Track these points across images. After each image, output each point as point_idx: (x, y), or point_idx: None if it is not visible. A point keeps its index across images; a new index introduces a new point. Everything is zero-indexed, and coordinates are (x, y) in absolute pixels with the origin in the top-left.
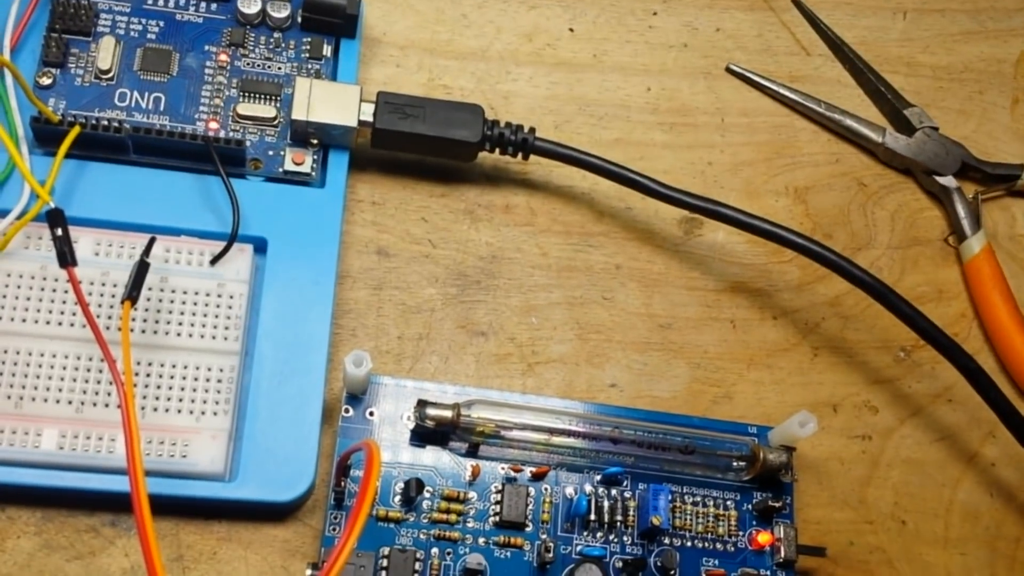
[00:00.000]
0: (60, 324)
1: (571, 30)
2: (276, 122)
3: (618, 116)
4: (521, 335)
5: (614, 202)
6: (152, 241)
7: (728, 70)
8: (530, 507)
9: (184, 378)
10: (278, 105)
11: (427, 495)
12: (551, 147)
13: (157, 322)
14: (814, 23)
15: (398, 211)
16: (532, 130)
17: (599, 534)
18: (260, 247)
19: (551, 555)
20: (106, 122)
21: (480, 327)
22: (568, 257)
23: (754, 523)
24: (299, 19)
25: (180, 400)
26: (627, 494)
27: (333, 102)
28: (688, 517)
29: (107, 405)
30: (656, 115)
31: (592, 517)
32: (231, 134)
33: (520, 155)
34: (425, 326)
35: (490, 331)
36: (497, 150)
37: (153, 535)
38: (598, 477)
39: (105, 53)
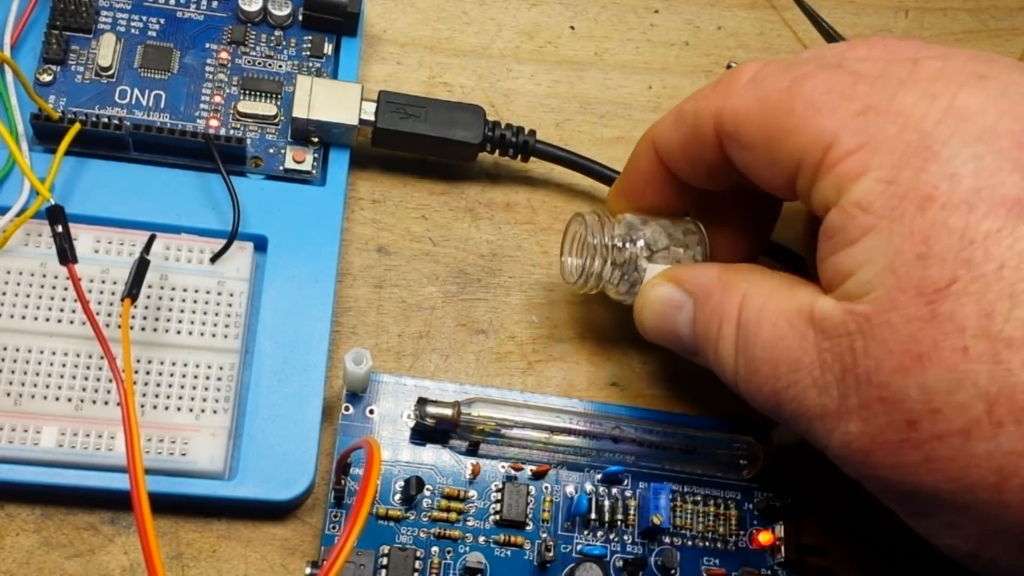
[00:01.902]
0: (60, 321)
1: (572, 28)
2: (277, 120)
3: (619, 114)
4: (521, 333)
5: None
6: (152, 238)
7: (729, 68)
8: (530, 506)
9: (184, 376)
10: (279, 103)
11: (427, 493)
12: (552, 150)
13: (157, 320)
14: (816, 21)
15: (398, 209)
16: (532, 132)
17: (599, 533)
18: (260, 245)
19: (551, 554)
20: (106, 119)
21: (480, 325)
22: None
23: (755, 522)
24: (300, 17)
25: (180, 398)
26: (628, 493)
27: (334, 100)
28: (689, 516)
29: (107, 403)
30: (657, 113)
31: (592, 516)
32: (232, 132)
33: (520, 157)
34: (425, 324)
35: (490, 329)
36: (497, 151)
37: (153, 533)
38: (599, 476)
39: (106, 50)
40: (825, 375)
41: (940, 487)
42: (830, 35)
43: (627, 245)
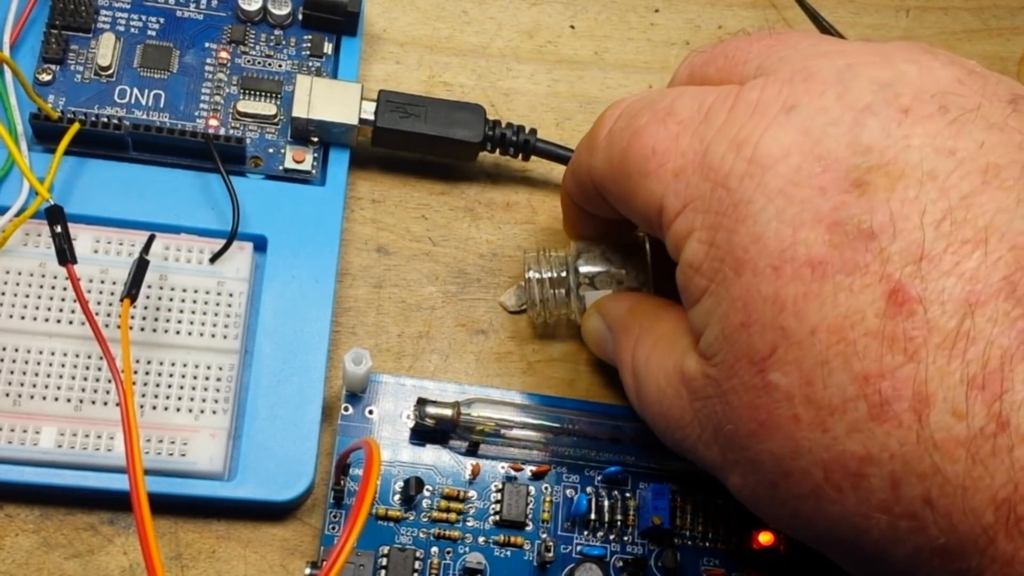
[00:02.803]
0: (59, 322)
1: (572, 27)
2: (276, 120)
3: None
4: (521, 333)
5: None
6: (152, 238)
7: None
8: (530, 506)
9: (183, 376)
10: (279, 103)
11: (427, 494)
12: (553, 149)
13: (156, 320)
14: (816, 21)
15: (398, 208)
16: (533, 131)
17: (599, 533)
18: (260, 245)
19: (551, 554)
20: (106, 119)
21: (480, 325)
22: None
23: (755, 523)
24: (300, 16)
25: (179, 398)
26: (627, 493)
27: (334, 100)
28: (689, 516)
29: (106, 403)
30: None
31: (592, 516)
32: (231, 131)
33: (520, 156)
34: (425, 324)
35: (490, 329)
36: (498, 150)
37: (153, 534)
38: (599, 476)
39: (105, 50)
40: (704, 433)
41: (815, 538)
42: (831, 34)
43: (568, 275)
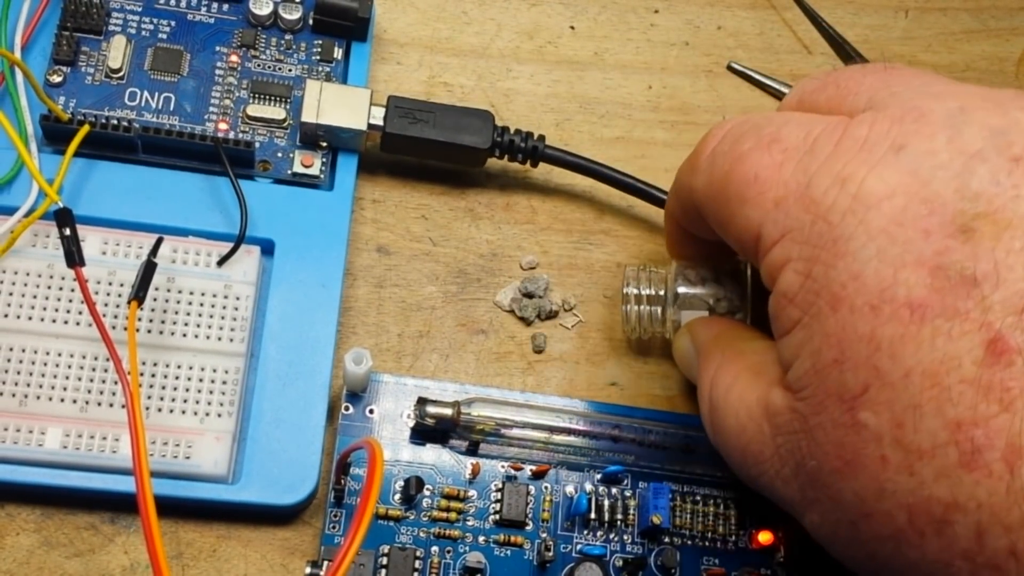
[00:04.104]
0: (66, 323)
1: (572, 28)
2: (286, 124)
3: (619, 114)
4: (521, 333)
5: (615, 200)
6: (159, 241)
7: (729, 68)
8: (530, 505)
9: (189, 379)
10: (288, 107)
11: (427, 493)
12: (561, 155)
13: (163, 322)
14: (815, 21)
15: (398, 209)
16: (542, 137)
17: (599, 533)
18: (267, 249)
19: (551, 554)
20: (115, 121)
21: (480, 325)
22: (569, 255)
23: (755, 522)
24: (310, 21)
25: (185, 401)
26: (627, 493)
27: (343, 105)
28: (689, 516)
29: (112, 405)
30: (657, 113)
31: (592, 516)
32: (240, 135)
33: (529, 162)
34: (425, 324)
35: (490, 329)
36: (506, 157)
37: (159, 537)
38: (598, 476)
39: (116, 52)
40: (784, 469)
41: None
42: (830, 35)
43: (665, 293)
